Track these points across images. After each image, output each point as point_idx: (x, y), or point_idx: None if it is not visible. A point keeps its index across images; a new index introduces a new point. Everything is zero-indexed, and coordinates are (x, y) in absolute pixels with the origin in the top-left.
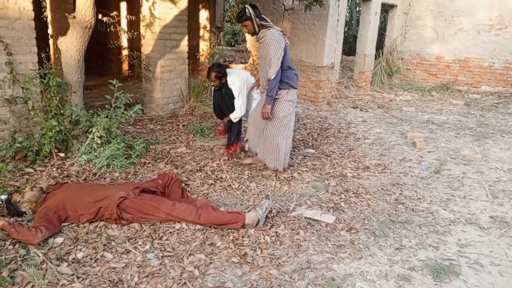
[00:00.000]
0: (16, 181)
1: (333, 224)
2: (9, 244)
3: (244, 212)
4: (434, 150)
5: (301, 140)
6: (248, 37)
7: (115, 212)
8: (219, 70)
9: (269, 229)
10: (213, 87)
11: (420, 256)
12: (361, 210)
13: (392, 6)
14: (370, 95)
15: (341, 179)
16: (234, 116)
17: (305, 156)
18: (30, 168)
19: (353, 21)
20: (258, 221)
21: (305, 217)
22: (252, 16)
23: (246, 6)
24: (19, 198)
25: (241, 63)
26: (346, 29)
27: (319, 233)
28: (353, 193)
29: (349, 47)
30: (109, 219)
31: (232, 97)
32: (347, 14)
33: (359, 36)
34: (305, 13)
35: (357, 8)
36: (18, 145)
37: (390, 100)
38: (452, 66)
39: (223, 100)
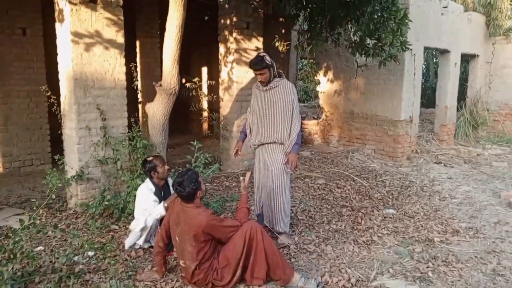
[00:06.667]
0: (102, 237)
1: None
2: None
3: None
4: None
5: (380, 199)
6: (320, 95)
7: None
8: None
9: None
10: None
11: None
12: (452, 282)
13: (473, 56)
14: (454, 149)
15: (427, 244)
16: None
17: (385, 217)
18: (115, 225)
19: (430, 73)
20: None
21: None
22: (272, 63)
23: (263, 54)
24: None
25: (314, 118)
26: (423, 81)
27: None
28: (442, 261)
29: (428, 99)
30: None
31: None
32: (423, 66)
33: (438, 88)
34: (380, 69)
35: (434, 60)
36: (107, 203)
37: (478, 155)
38: None
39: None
